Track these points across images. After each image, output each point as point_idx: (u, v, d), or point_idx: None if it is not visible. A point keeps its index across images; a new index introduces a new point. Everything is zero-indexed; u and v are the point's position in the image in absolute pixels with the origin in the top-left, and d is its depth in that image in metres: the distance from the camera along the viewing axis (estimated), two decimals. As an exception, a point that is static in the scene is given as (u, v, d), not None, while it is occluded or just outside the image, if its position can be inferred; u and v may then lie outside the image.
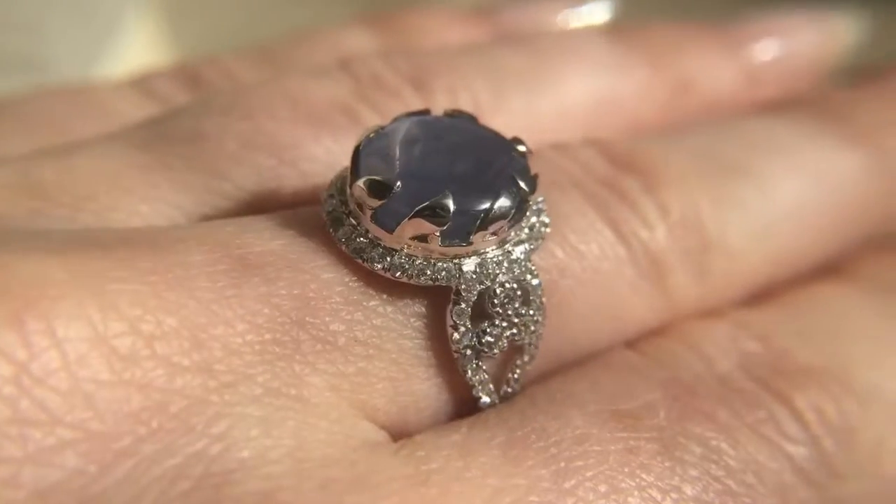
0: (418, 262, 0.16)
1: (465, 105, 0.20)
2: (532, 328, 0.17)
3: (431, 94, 0.20)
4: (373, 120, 0.19)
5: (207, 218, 0.18)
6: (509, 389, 0.17)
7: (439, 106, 0.20)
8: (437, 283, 0.16)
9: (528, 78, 0.22)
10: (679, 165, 0.20)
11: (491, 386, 0.17)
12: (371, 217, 0.16)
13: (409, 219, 0.15)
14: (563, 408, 0.16)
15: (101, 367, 0.13)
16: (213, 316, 0.15)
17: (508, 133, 0.17)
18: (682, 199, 0.19)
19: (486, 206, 0.16)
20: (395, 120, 0.17)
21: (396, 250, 0.16)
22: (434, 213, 0.15)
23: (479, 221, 0.16)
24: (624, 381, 0.17)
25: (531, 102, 0.21)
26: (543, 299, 0.17)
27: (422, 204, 0.15)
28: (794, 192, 0.21)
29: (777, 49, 0.25)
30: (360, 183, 0.16)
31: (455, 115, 0.17)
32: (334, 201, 0.17)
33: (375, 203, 0.15)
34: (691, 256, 0.19)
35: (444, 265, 0.16)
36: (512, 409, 0.17)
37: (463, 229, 0.16)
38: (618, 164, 0.20)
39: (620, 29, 0.25)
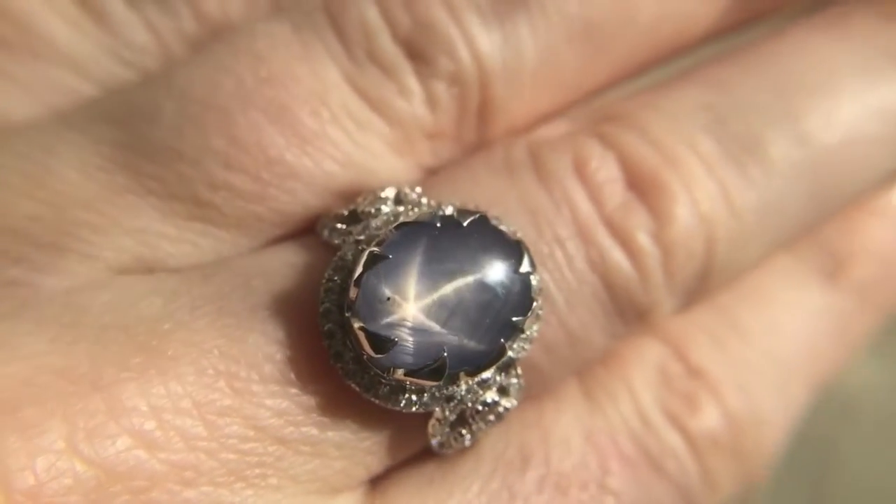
0: (407, 394, 0.16)
1: (468, 66, 0.19)
2: (505, 417, 0.18)
3: (433, 68, 0.18)
4: (370, 123, 0.18)
5: (195, 245, 0.18)
6: (467, 439, 0.18)
7: (441, 77, 0.18)
8: (425, 411, 0.17)
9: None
10: (703, 173, 0.19)
11: (454, 441, 0.18)
12: (367, 358, 0.16)
13: (405, 374, 0.16)
14: (516, 474, 0.18)
15: None
16: (201, 454, 0.16)
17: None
18: (690, 238, 0.19)
19: (479, 361, 0.16)
20: (400, 229, 0.16)
21: (386, 383, 0.16)
22: (430, 373, 0.16)
23: (471, 370, 0.16)
24: (567, 437, 0.19)
25: (547, 38, 0.19)
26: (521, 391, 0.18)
27: (419, 365, 0.16)
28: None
29: None
30: (358, 328, 0.16)
31: (465, 214, 0.17)
32: (331, 285, 0.17)
33: (373, 354, 0.16)
34: (685, 288, 0.19)
35: (432, 398, 0.17)
36: (476, 475, 0.18)
37: (456, 377, 0.16)
38: (637, 187, 0.19)
39: None
